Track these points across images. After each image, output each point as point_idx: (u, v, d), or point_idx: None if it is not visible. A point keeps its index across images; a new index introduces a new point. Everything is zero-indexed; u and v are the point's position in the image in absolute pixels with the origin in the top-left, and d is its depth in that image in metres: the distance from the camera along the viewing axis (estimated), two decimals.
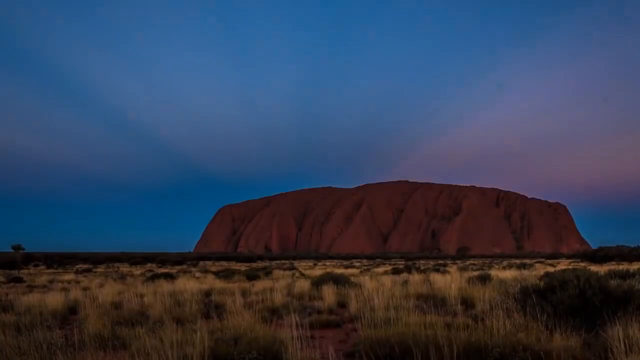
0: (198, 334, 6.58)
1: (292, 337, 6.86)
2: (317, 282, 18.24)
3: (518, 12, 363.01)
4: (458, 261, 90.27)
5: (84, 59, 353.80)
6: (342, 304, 14.02)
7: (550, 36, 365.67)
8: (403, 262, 77.75)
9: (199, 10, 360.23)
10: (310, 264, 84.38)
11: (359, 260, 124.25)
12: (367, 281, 20.09)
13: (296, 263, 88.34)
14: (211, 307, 12.62)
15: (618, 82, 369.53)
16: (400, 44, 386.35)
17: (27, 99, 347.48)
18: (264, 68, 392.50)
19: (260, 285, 21.12)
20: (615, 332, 6.35)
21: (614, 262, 57.00)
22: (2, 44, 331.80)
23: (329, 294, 14.99)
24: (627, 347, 5.95)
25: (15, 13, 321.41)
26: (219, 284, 23.42)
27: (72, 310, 14.06)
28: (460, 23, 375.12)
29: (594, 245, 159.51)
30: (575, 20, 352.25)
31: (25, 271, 59.83)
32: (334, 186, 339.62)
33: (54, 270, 62.30)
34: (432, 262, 77.47)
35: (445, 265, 56.83)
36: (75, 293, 17.84)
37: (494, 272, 27.89)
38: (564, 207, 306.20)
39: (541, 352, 6.35)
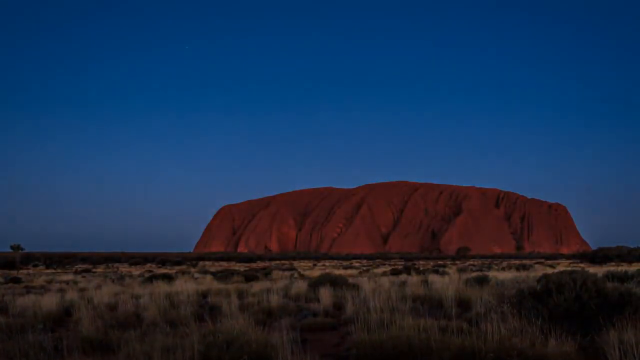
0: (189, 338, 6.51)
1: (284, 342, 6.78)
2: (315, 284, 18.14)
3: None
4: (458, 262, 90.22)
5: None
6: (339, 306, 13.94)
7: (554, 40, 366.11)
8: (403, 263, 77.71)
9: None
10: (310, 264, 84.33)
11: (358, 260, 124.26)
12: (365, 282, 20.02)
13: (296, 263, 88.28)
14: (206, 310, 12.54)
15: (619, 82, 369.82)
16: (400, 50, 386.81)
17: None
18: (264, 68, 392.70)
19: (258, 286, 21.05)
20: (610, 337, 6.28)
21: (613, 263, 56.93)
22: None
23: (326, 295, 14.90)
24: (622, 352, 5.88)
25: None
26: (216, 285, 23.34)
27: (68, 311, 13.99)
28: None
29: (593, 246, 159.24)
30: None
31: (24, 271, 59.78)
32: (334, 186, 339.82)
33: (53, 271, 62.29)
34: (431, 263, 77.43)
35: (444, 265, 56.78)
36: (72, 294, 17.77)
37: (493, 273, 27.83)
38: (564, 207, 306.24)
39: (535, 357, 6.28)
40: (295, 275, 34.97)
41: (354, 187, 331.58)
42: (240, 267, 66.25)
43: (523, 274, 26.44)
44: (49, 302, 14.07)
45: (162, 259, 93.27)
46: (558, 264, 65.84)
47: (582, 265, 55.98)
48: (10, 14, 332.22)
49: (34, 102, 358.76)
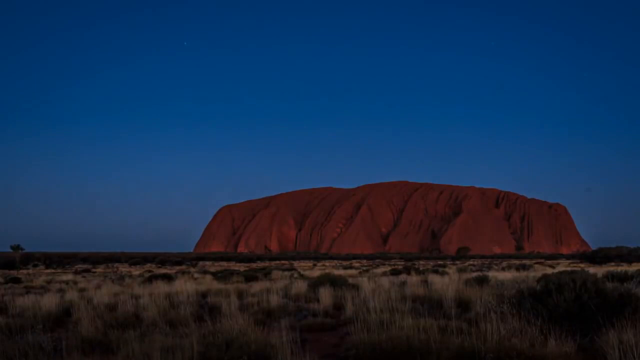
0: (188, 338, 6.50)
1: (284, 342, 6.78)
2: (315, 284, 18.13)
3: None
4: (458, 262, 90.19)
5: None
6: (339, 306, 13.93)
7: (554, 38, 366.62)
8: (403, 263, 77.69)
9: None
10: (310, 264, 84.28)
11: (358, 260, 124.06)
12: (365, 282, 20.00)
13: (296, 264, 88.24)
14: (206, 310, 12.53)
15: (619, 81, 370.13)
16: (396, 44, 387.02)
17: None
18: (264, 68, 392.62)
19: (258, 286, 21.04)
20: (610, 338, 6.27)
21: (613, 263, 56.91)
22: None
23: (326, 296, 14.90)
24: (622, 352, 5.87)
25: None
26: (216, 285, 23.32)
27: (68, 312, 13.97)
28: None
29: (593, 246, 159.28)
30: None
31: (24, 271, 59.74)
32: (334, 186, 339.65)
33: (53, 271, 62.24)
34: (431, 263, 77.42)
35: (444, 266, 56.70)
36: (71, 294, 17.76)
37: (493, 273, 27.81)
38: (564, 207, 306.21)
39: (535, 358, 6.27)
40: (295, 275, 34.93)
41: (354, 187, 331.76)
42: (240, 267, 66.22)
43: (523, 274, 26.42)
44: (49, 302, 14.05)
45: (162, 259, 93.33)
46: (558, 264, 65.76)
47: (582, 265, 55.92)
48: (9, 17, 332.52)
49: (33, 103, 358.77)
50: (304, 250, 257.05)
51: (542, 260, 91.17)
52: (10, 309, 13.71)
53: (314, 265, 78.73)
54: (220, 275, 31.92)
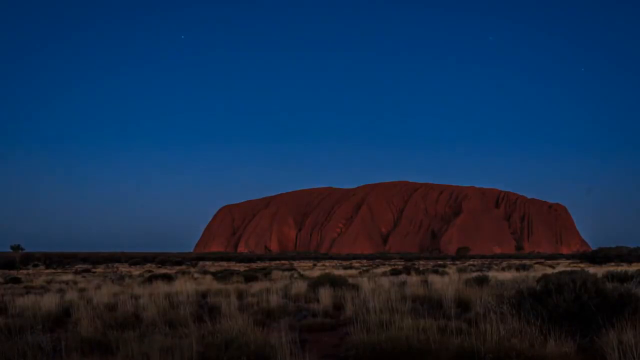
0: (187, 338, 6.50)
1: (283, 342, 6.77)
2: (314, 284, 18.12)
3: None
4: (458, 262, 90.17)
5: None
6: (339, 306, 13.92)
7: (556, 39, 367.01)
8: (403, 263, 77.70)
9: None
10: (310, 264, 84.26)
11: (358, 260, 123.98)
12: (365, 282, 20.00)
13: (296, 264, 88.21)
14: (205, 310, 12.53)
15: (619, 80, 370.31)
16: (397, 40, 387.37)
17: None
18: (264, 67, 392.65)
19: (258, 286, 21.03)
20: (610, 338, 6.26)
21: (613, 263, 56.90)
22: None
23: (326, 296, 14.90)
24: (621, 353, 5.87)
25: None
26: (216, 285, 23.31)
27: (67, 312, 13.96)
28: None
29: (593, 246, 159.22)
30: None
31: (24, 271, 59.72)
32: (334, 186, 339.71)
33: (53, 271, 62.22)
34: (431, 263, 77.41)
35: (444, 266, 56.67)
36: (71, 294, 17.75)
37: (492, 273, 27.81)
38: (564, 207, 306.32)
39: (534, 358, 6.27)
40: (295, 275, 34.92)
41: (354, 187, 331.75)
42: (240, 267, 66.19)
43: (523, 274, 26.42)
44: (49, 302, 14.05)
45: (162, 259, 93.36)
46: (558, 264, 65.71)
47: (582, 265, 55.90)
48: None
49: (32, 104, 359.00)
50: (304, 250, 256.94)
51: (542, 260, 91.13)
52: (10, 309, 13.70)
53: (314, 265, 78.73)
54: (220, 275, 31.90)
